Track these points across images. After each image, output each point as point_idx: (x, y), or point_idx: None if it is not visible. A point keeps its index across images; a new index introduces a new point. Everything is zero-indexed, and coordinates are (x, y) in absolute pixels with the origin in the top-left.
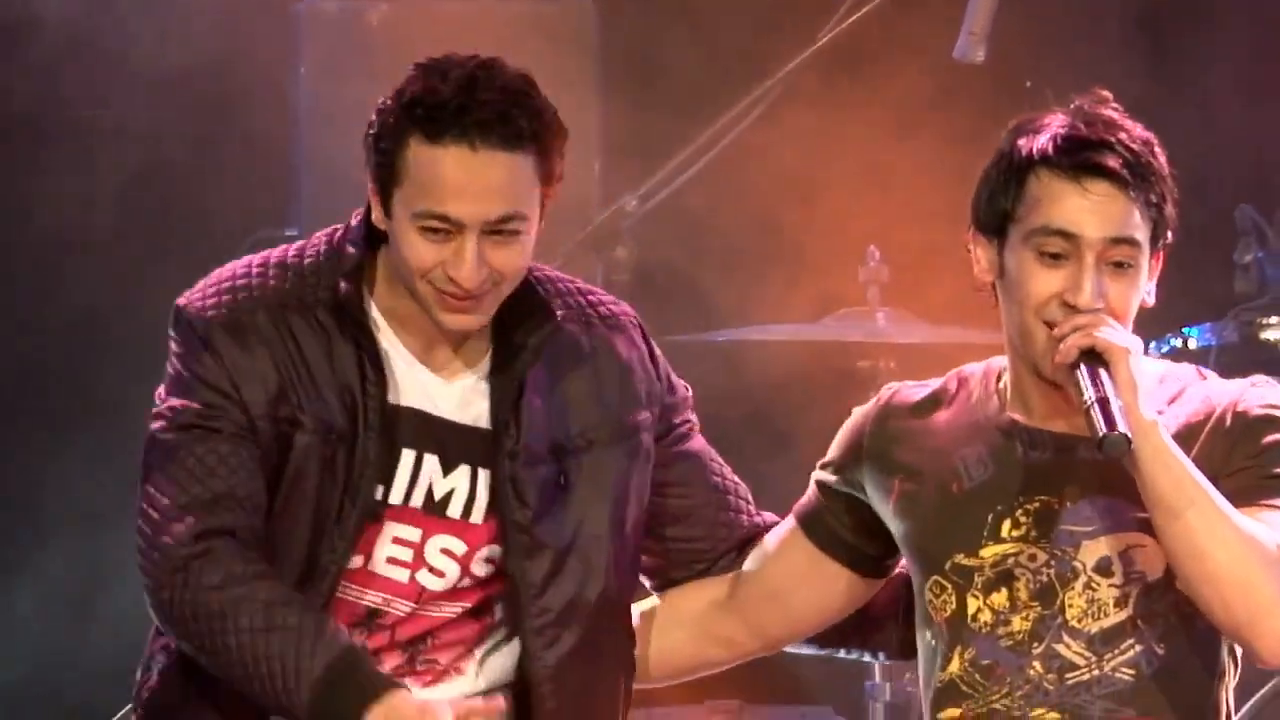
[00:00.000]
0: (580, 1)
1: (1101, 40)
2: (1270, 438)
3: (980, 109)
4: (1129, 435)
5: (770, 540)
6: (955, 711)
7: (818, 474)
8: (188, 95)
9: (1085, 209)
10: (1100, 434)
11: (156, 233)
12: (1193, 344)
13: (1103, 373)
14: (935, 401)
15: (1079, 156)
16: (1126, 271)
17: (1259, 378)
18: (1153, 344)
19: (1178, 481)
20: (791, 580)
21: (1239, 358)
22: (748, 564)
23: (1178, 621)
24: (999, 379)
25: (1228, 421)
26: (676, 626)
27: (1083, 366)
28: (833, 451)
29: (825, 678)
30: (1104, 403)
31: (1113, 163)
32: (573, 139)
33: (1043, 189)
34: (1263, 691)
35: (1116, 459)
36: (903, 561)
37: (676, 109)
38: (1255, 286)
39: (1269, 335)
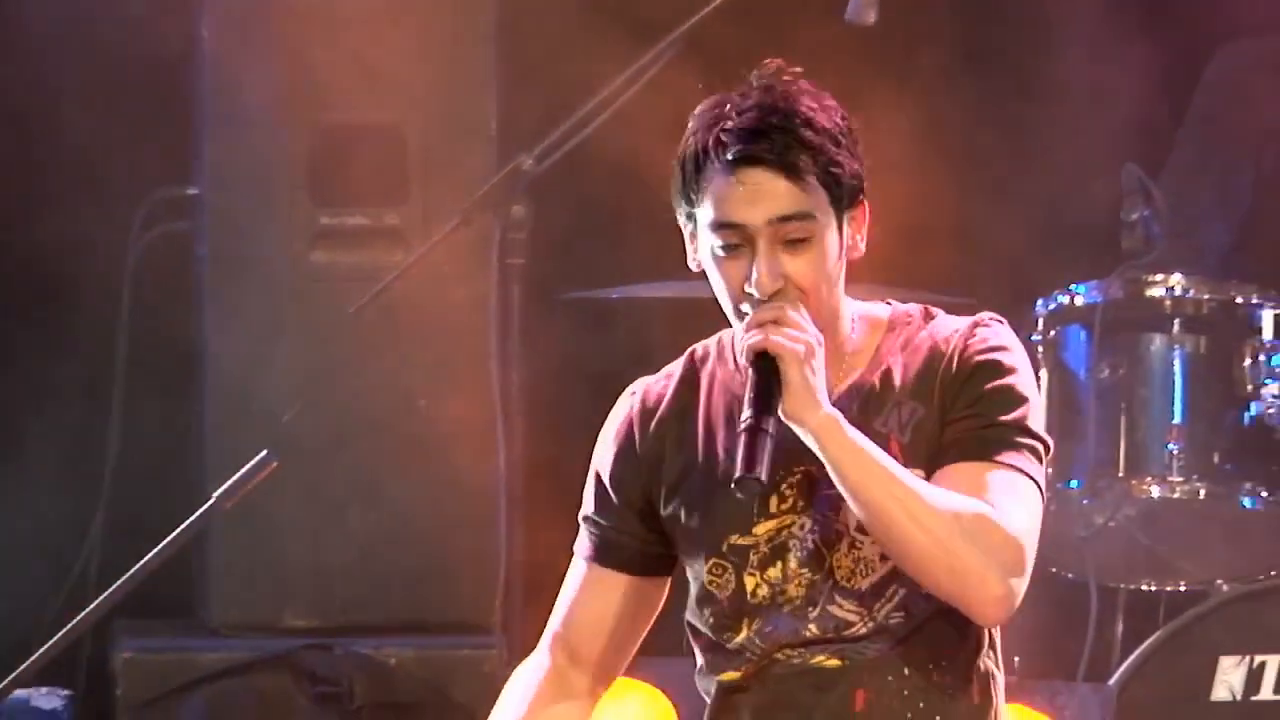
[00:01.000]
0: None
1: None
2: (991, 384)
3: (864, 72)
4: (761, 478)
5: (575, 595)
6: (735, 675)
7: (592, 515)
8: (85, 52)
9: (744, 198)
10: (736, 474)
11: (48, 189)
12: (1079, 300)
13: (767, 379)
14: (685, 389)
15: (733, 150)
16: (804, 245)
17: (985, 315)
18: (1040, 301)
19: (866, 474)
20: (612, 613)
21: (1124, 314)
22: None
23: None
24: (736, 355)
25: (954, 368)
26: None
27: (751, 373)
28: (598, 481)
29: None
30: (751, 433)
31: (762, 149)
32: (470, 102)
33: (710, 184)
34: (1144, 645)
35: (749, 498)
36: None
37: (573, 73)
38: (1141, 244)
39: (1153, 292)
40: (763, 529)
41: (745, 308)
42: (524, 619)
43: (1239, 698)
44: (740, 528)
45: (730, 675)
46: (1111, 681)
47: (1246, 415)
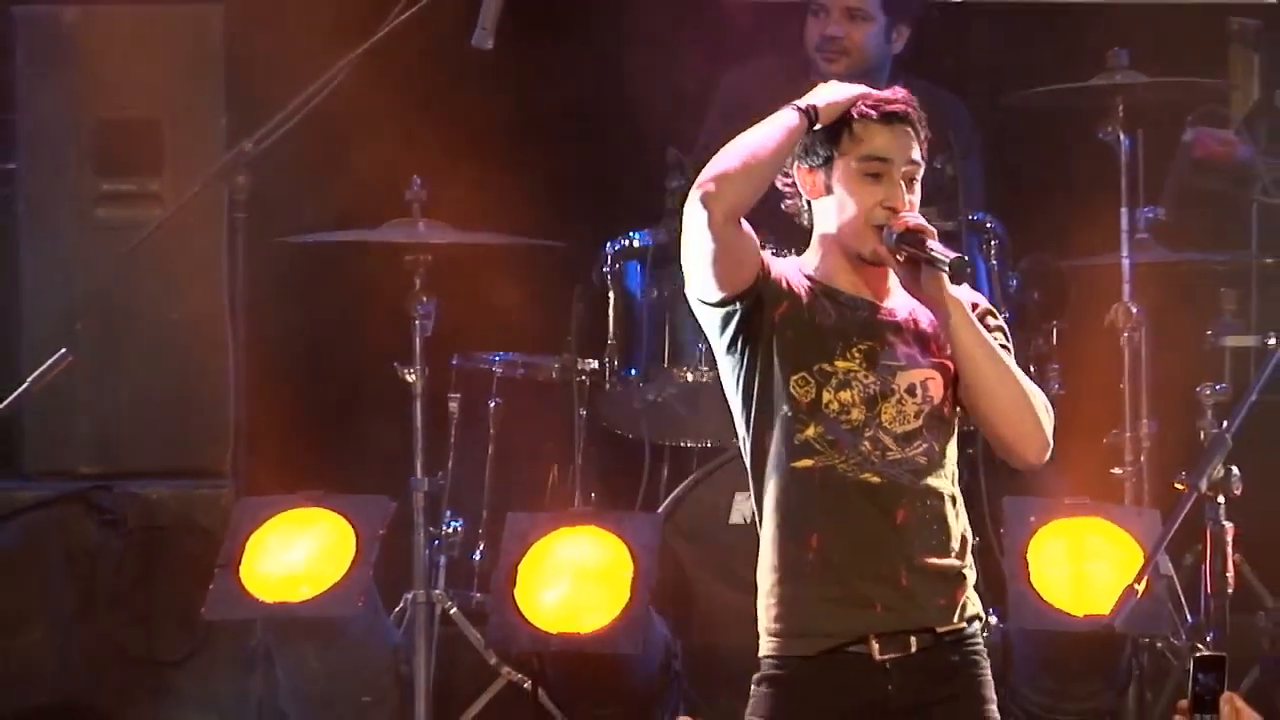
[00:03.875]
0: (211, 6)
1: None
2: (992, 322)
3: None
4: (964, 258)
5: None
6: (809, 462)
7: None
8: None
9: (894, 142)
10: (950, 257)
11: None
12: (636, 243)
13: (925, 241)
14: (797, 273)
15: (886, 108)
16: (915, 186)
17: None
18: (608, 242)
19: (977, 339)
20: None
21: (666, 252)
22: None
23: (943, 430)
24: (804, 270)
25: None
26: None
27: (910, 236)
28: (768, 269)
29: None
30: (933, 252)
31: (909, 112)
32: (206, 98)
33: (863, 130)
34: (682, 485)
35: (965, 277)
36: None
37: (287, 76)
38: (679, 203)
39: None
40: (840, 365)
41: (878, 217)
42: (248, 468)
43: (747, 521)
44: (825, 359)
45: (804, 463)
46: (659, 510)
47: None
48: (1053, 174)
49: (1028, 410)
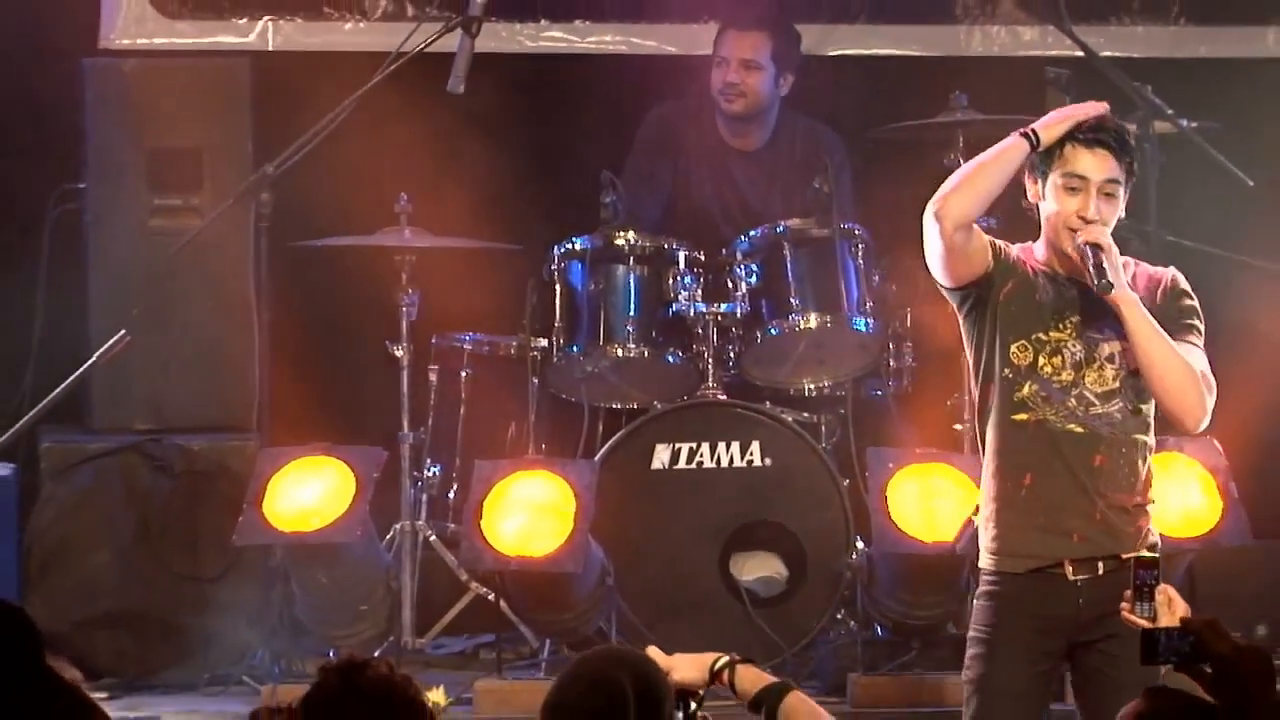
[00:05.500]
0: (241, 59)
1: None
2: (1186, 303)
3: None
4: (1111, 283)
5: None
6: (1024, 416)
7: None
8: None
9: (1093, 163)
10: (1098, 281)
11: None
12: (578, 246)
13: (1101, 255)
14: (1021, 257)
15: (1090, 135)
16: (1113, 199)
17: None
18: (554, 246)
19: (1145, 325)
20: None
21: (603, 253)
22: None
23: (1137, 390)
24: (1027, 251)
25: (1167, 293)
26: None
27: (1088, 249)
28: (998, 247)
29: None
30: (1099, 268)
31: (1108, 138)
32: (236, 131)
33: (1069, 152)
34: (614, 437)
35: (1105, 295)
36: None
37: (300, 114)
38: (611, 215)
39: (619, 241)
40: (1053, 335)
41: (1071, 222)
42: (269, 425)
43: (666, 467)
44: (1042, 330)
45: (1021, 416)
46: (596, 459)
47: (670, 310)
48: (908, 191)
49: (1190, 389)
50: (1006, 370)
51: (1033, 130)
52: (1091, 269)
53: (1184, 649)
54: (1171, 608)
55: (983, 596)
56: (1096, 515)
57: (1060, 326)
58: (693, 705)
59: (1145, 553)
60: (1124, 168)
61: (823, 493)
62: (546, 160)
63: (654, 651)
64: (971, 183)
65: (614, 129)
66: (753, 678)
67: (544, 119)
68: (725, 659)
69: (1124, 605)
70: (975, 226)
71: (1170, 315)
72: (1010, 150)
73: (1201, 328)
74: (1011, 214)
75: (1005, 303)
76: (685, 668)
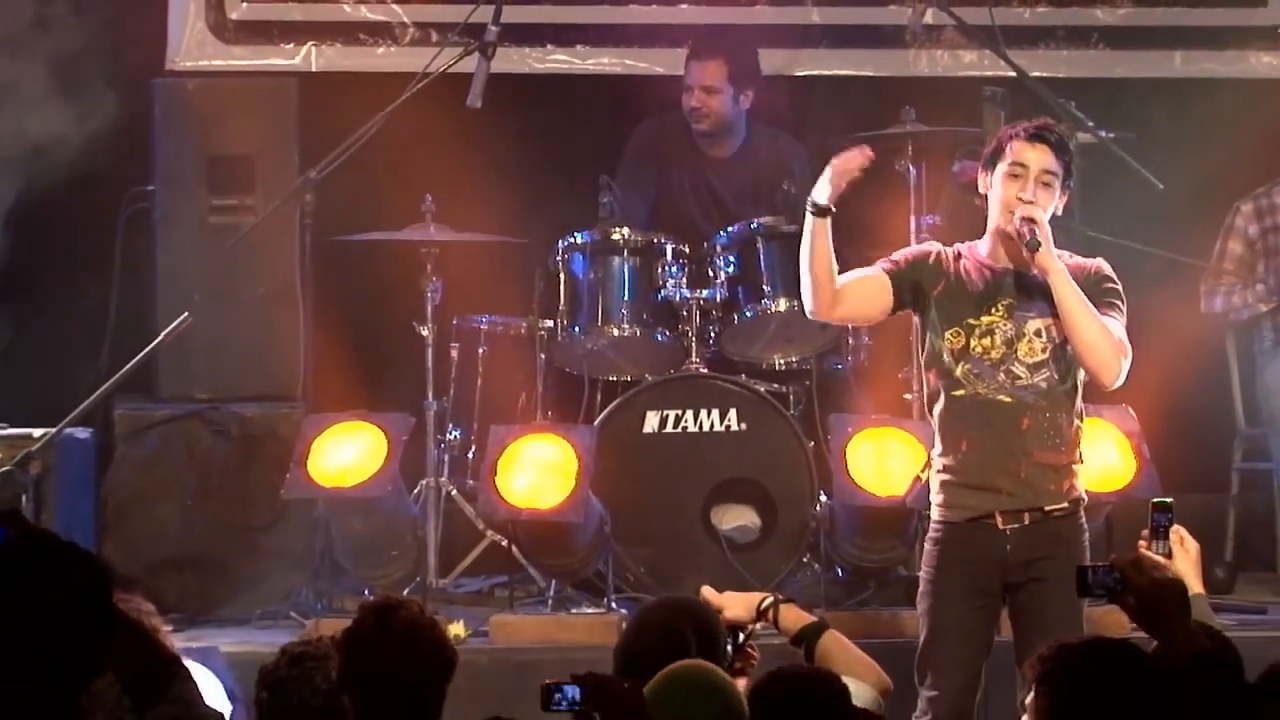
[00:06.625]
0: (288, 79)
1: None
2: (1109, 285)
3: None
4: (1039, 241)
5: (860, 275)
6: (960, 392)
7: (890, 266)
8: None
9: (1033, 155)
10: (1029, 242)
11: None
12: (579, 240)
13: (1034, 227)
14: (954, 255)
15: (1035, 132)
16: (1049, 188)
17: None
18: (560, 240)
19: (1069, 290)
20: (864, 290)
21: (601, 246)
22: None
23: (1065, 362)
24: (971, 249)
25: (1093, 276)
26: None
27: (1023, 221)
28: (905, 257)
29: None
30: (1033, 235)
31: (1049, 136)
32: (284, 141)
33: (1015, 147)
34: (585, 404)
35: (1034, 252)
36: None
37: (339, 126)
38: (609, 213)
39: (615, 236)
40: (984, 320)
41: (1013, 204)
42: (313, 394)
43: (656, 431)
44: (973, 316)
45: (958, 393)
46: (595, 424)
47: (659, 296)
48: (863, 192)
49: (1107, 348)
50: (944, 355)
51: (812, 201)
52: (1026, 234)
53: (1110, 584)
54: (1184, 545)
55: (930, 543)
56: (1022, 474)
57: (992, 310)
58: (741, 637)
59: (1162, 498)
60: (1061, 164)
61: (791, 453)
62: (552, 166)
63: (707, 591)
64: (805, 278)
65: (610, 139)
66: (795, 617)
67: (550, 130)
68: (770, 599)
69: (1142, 543)
70: (843, 287)
71: (1095, 294)
72: (810, 228)
73: (1123, 306)
74: (956, 214)
75: (939, 299)
76: (735, 606)
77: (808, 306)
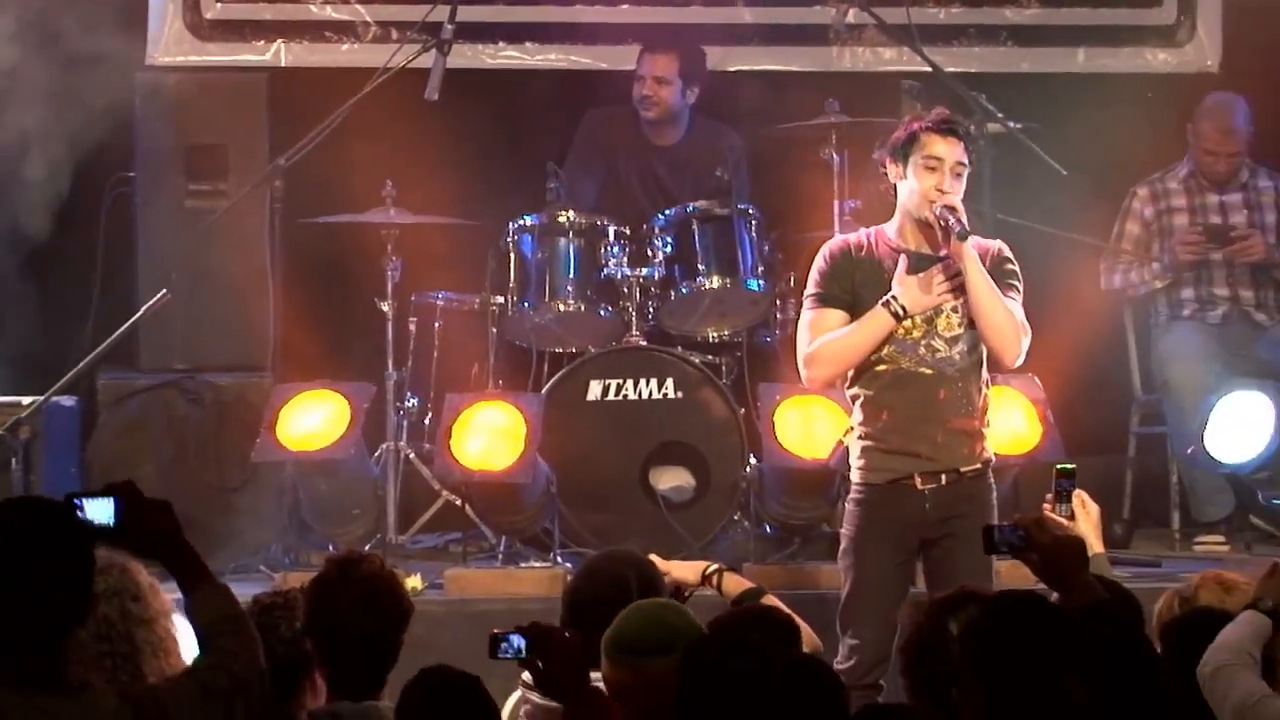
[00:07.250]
0: (259, 74)
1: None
2: (1009, 267)
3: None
4: (968, 230)
5: (832, 330)
6: (883, 367)
7: (823, 295)
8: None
9: (946, 148)
10: (957, 232)
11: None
12: (529, 222)
13: (955, 215)
14: (868, 241)
15: (945, 126)
16: (960, 178)
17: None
18: (510, 222)
19: (979, 276)
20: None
21: (549, 228)
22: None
23: (974, 335)
24: (879, 233)
25: (995, 259)
26: None
27: (946, 211)
28: (825, 279)
29: None
30: (958, 223)
31: (959, 129)
32: (255, 131)
33: (927, 139)
34: (557, 375)
35: (963, 241)
36: None
37: (305, 117)
38: (555, 197)
39: (561, 219)
40: None
41: (932, 195)
42: (281, 365)
43: (599, 399)
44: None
45: (881, 368)
46: (542, 392)
47: (602, 274)
48: (792, 178)
49: (1009, 331)
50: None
51: (901, 306)
52: (951, 224)
53: (1015, 541)
54: (1086, 508)
55: (852, 503)
56: (939, 438)
57: None
58: (685, 596)
59: (1066, 464)
60: (970, 155)
61: (723, 419)
62: (503, 153)
63: (655, 558)
64: (841, 359)
65: (557, 129)
66: (736, 583)
67: (501, 121)
68: (715, 566)
69: (1046, 505)
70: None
71: (997, 275)
72: (884, 324)
73: (1021, 287)
74: (872, 197)
75: (859, 288)
76: (681, 571)
77: (822, 375)
